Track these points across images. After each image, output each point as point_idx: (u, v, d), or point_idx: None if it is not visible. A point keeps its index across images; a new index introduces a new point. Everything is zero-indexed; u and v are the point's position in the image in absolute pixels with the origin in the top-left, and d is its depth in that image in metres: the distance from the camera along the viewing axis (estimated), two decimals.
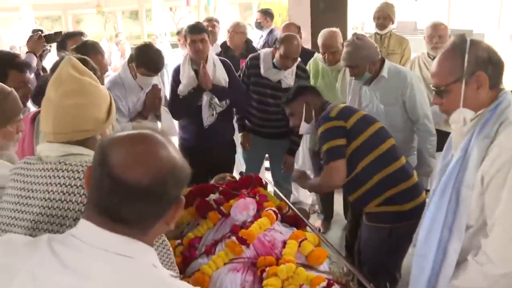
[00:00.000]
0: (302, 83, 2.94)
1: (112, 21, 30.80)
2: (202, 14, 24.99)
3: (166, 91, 3.71)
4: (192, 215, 2.43)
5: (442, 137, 3.62)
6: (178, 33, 6.27)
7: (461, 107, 1.58)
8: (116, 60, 10.64)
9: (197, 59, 3.31)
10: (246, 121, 3.81)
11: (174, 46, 14.74)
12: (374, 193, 2.39)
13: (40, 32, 3.45)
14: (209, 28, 4.83)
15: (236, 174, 3.39)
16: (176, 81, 3.45)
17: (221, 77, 3.41)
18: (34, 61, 3.26)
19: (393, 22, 4.35)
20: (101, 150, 1.00)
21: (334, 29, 3.78)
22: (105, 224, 0.97)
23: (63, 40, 3.41)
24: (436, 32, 3.62)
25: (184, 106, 3.40)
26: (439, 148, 3.64)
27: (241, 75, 3.68)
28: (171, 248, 1.49)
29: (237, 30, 4.65)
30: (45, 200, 1.29)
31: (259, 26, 5.50)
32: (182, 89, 3.35)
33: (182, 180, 1.03)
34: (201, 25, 3.48)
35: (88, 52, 2.52)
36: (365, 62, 2.90)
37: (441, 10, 23.32)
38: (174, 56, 12.51)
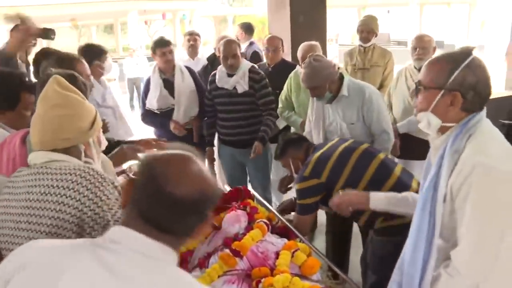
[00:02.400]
0: (286, 136, 2.97)
1: (87, 35, 30.57)
2: (177, 27, 25.06)
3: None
4: None
5: (422, 145, 3.74)
6: None
7: (429, 111, 1.62)
8: None
9: (166, 69, 3.88)
10: (219, 134, 3.95)
11: (150, 59, 14.77)
12: (377, 214, 2.37)
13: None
14: (191, 42, 4.93)
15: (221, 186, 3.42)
16: (145, 92, 3.98)
17: (188, 83, 3.92)
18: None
19: (376, 35, 4.43)
20: (148, 167, 1.12)
21: (313, 42, 3.86)
22: (150, 232, 1.09)
23: (38, 58, 3.32)
24: (420, 44, 3.69)
25: (156, 122, 3.98)
26: (418, 156, 3.77)
27: (206, 93, 3.90)
28: None
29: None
30: (25, 201, 1.42)
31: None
32: (150, 97, 3.90)
33: (217, 198, 1.18)
34: (166, 38, 3.98)
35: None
36: (324, 82, 2.93)
37: (413, 22, 23.90)
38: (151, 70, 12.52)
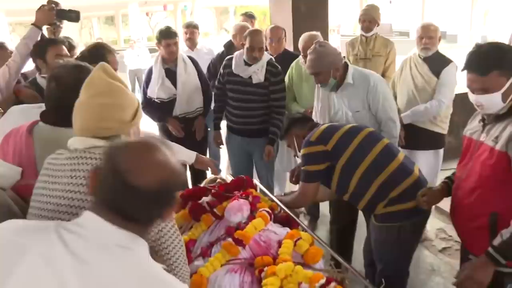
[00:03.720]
0: (291, 115, 3.04)
1: (88, 26, 30.50)
2: (178, 18, 24.98)
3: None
4: (185, 218, 2.44)
5: (426, 135, 3.74)
6: None
7: None
8: None
9: (169, 59, 3.90)
10: (228, 121, 3.94)
11: (152, 50, 14.74)
12: (378, 197, 2.41)
13: (53, 5, 3.13)
14: (188, 35, 4.97)
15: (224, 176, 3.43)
16: (147, 81, 4.00)
17: (191, 73, 3.95)
18: (38, 36, 3.05)
19: (378, 25, 4.40)
20: (110, 156, 1.12)
21: (315, 32, 3.82)
22: (114, 220, 1.11)
23: (44, 46, 3.34)
24: (426, 33, 3.63)
25: (155, 115, 4.01)
26: (423, 146, 3.77)
27: (218, 76, 3.89)
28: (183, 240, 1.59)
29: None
30: (68, 185, 1.42)
31: None
32: (151, 86, 3.92)
33: (182, 184, 1.20)
34: (173, 29, 3.97)
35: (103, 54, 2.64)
36: (328, 68, 2.91)
37: (415, 12, 23.77)
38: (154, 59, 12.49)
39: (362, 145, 2.49)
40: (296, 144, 2.78)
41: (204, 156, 2.87)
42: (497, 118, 1.92)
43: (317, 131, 2.55)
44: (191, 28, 5.08)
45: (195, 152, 2.75)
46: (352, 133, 2.55)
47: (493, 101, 1.88)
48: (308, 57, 2.97)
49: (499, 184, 1.89)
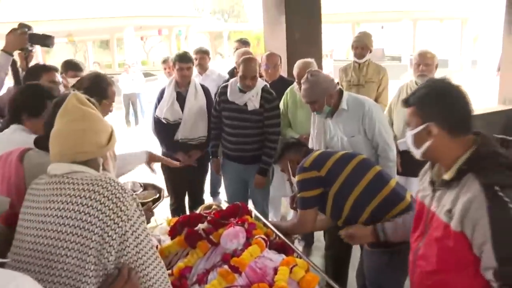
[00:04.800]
0: (286, 140, 3.06)
1: (83, 50, 30.66)
2: (173, 43, 25.18)
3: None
4: (180, 245, 2.44)
5: (421, 162, 3.75)
6: (164, 61, 6.47)
7: None
8: None
9: (182, 83, 4.01)
10: (224, 149, 3.95)
11: (146, 75, 14.84)
12: (371, 223, 2.42)
13: (26, 29, 2.92)
14: (198, 61, 5.07)
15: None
16: (159, 101, 4.07)
17: (200, 100, 4.03)
18: (9, 63, 2.88)
19: (370, 51, 4.49)
20: None
21: (309, 59, 3.87)
22: None
23: (38, 72, 3.33)
24: (423, 60, 3.71)
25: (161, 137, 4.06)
26: (418, 173, 3.78)
27: (214, 104, 3.93)
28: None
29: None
30: (47, 209, 1.46)
31: None
32: (161, 106, 4.01)
33: None
34: (189, 55, 4.10)
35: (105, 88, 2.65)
36: (322, 96, 2.97)
37: (406, 37, 24.15)
38: (147, 86, 12.55)
39: (355, 171, 2.53)
40: (290, 169, 2.81)
41: (155, 154, 2.86)
42: (446, 183, 1.69)
43: (310, 157, 2.59)
44: (201, 54, 5.19)
45: (146, 150, 2.77)
46: (345, 160, 2.59)
47: (408, 139, 1.77)
48: (302, 87, 3.03)
49: (462, 266, 1.67)
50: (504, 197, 1.50)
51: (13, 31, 2.89)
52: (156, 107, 4.09)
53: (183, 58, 3.95)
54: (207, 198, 4.70)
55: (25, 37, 2.90)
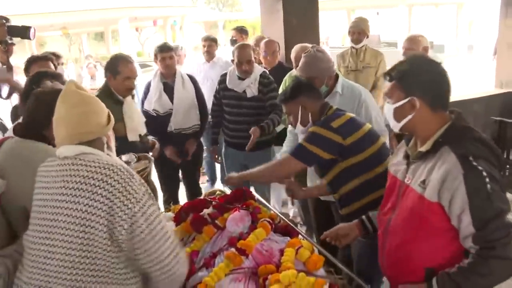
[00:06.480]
0: (299, 80, 2.68)
1: (77, 43, 30.48)
2: (168, 33, 25.07)
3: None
4: (186, 231, 2.47)
5: None
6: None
7: None
8: (87, 82, 10.54)
9: (167, 74, 3.98)
10: (225, 135, 4.00)
11: (142, 66, 14.76)
12: (364, 212, 2.30)
13: (4, 20, 2.80)
14: (205, 48, 5.13)
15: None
16: (145, 94, 4.06)
17: (188, 89, 4.02)
18: None
19: (367, 36, 4.52)
20: None
21: (306, 44, 3.90)
22: None
23: (28, 65, 3.31)
24: (411, 44, 3.76)
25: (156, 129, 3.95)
26: None
27: (215, 92, 3.99)
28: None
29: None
30: (63, 188, 1.58)
31: (234, 43, 5.63)
32: (148, 99, 4.00)
33: None
34: (169, 44, 4.12)
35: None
36: (322, 74, 2.89)
37: (402, 23, 24.10)
38: (143, 77, 12.48)
39: (379, 152, 2.41)
40: (299, 116, 2.54)
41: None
42: (422, 156, 1.73)
43: (340, 119, 2.39)
44: (209, 41, 5.23)
45: None
46: (372, 136, 2.45)
47: (387, 113, 1.80)
48: (303, 60, 2.93)
49: (432, 236, 1.72)
50: (478, 166, 1.58)
51: None
52: (143, 102, 4.09)
53: (163, 48, 3.96)
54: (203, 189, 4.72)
55: (4, 30, 2.79)
